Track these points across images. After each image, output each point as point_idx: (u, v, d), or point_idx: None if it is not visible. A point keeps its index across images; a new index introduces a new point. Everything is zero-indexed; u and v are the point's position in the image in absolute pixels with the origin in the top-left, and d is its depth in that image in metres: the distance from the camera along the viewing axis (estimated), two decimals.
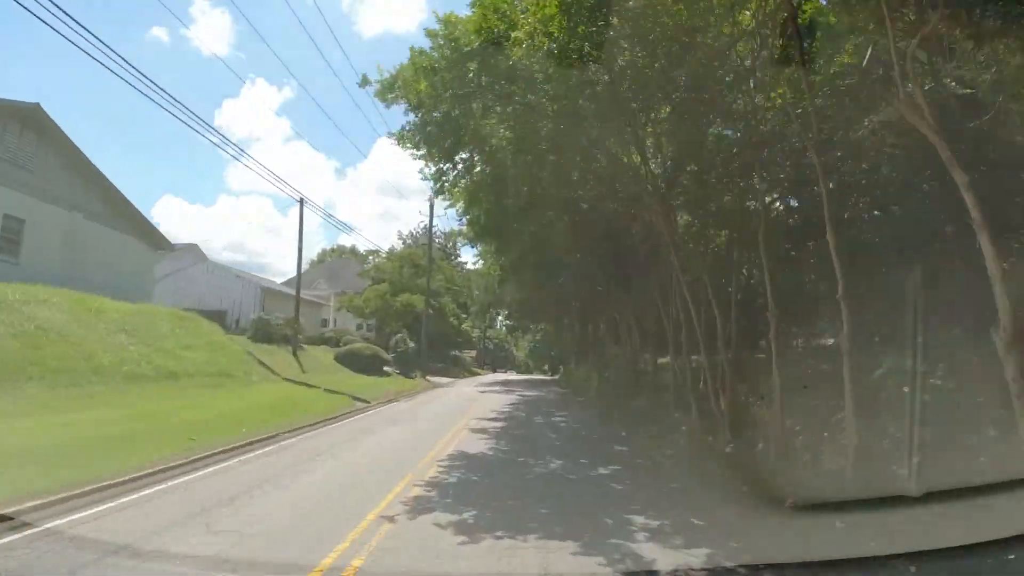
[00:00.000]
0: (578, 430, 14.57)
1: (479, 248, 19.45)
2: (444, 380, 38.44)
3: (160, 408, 14.73)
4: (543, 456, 10.53)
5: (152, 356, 19.56)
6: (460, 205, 15.74)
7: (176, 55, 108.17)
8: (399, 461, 9.88)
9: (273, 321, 29.10)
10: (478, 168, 12.90)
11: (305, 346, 31.00)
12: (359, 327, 51.25)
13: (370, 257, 49.54)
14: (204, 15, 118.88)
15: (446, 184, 12.79)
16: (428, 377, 35.42)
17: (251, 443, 11.92)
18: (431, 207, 37.60)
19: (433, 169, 12.36)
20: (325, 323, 50.18)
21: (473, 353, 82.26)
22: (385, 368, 34.28)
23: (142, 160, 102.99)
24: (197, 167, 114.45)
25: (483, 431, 13.76)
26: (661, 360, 17.33)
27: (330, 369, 29.95)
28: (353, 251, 67.36)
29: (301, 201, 29.54)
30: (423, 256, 48.08)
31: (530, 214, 15.44)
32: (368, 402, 21.68)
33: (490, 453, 10.80)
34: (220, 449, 11.06)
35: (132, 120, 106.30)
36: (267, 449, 11.39)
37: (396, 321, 47.01)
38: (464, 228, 20.38)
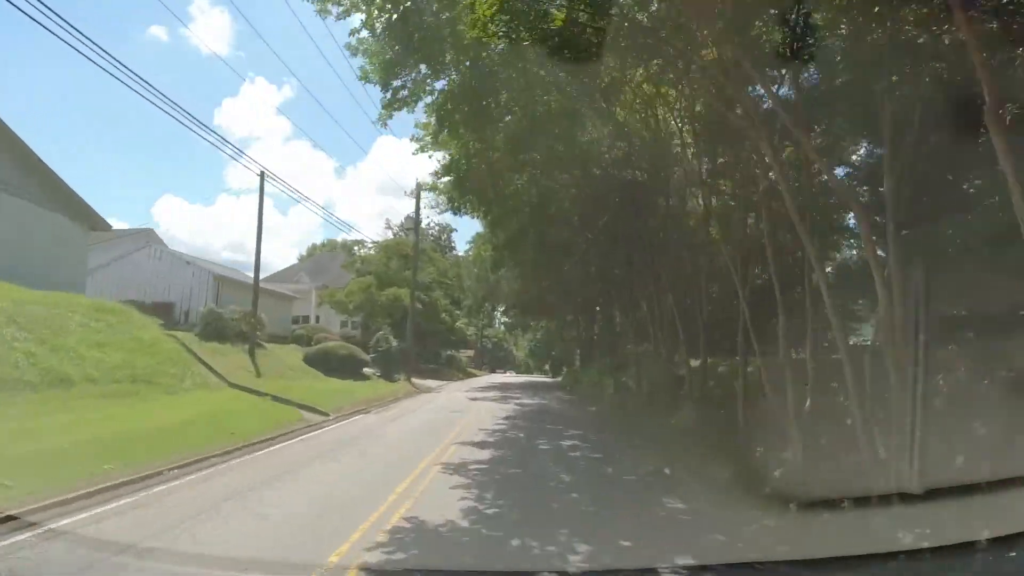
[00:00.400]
0: (601, 466, 10.12)
1: (463, 209, 14.67)
2: (433, 384, 33.99)
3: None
4: (554, 531, 6.10)
5: (43, 356, 15.15)
6: (428, 138, 11.15)
7: (175, 54, 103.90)
8: (297, 547, 5.47)
9: (227, 315, 24.64)
10: (454, 75, 8.30)
11: (267, 344, 26.56)
12: (344, 324, 47.06)
13: (355, 248, 44.96)
14: (203, 13, 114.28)
15: (403, 92, 8.23)
16: (414, 380, 30.97)
17: (101, 491, 7.66)
18: (417, 188, 33.13)
19: (382, 59, 7.65)
20: (306, 319, 46.12)
21: (470, 353, 77.74)
22: (365, 370, 29.86)
23: (143, 162, 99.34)
24: (196, 167, 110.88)
25: (462, 469, 9.33)
26: (702, 360, 12.88)
27: (296, 372, 25.50)
28: (344, 245, 62.62)
29: (262, 175, 25.17)
30: (410, 245, 43.63)
31: (528, 152, 10.96)
32: (326, 415, 17.26)
33: (465, 525, 6.35)
34: (30, 507, 6.81)
35: (132, 122, 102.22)
36: (111, 508, 7.07)
37: (383, 317, 42.61)
38: (439, 183, 15.70)
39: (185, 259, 27.82)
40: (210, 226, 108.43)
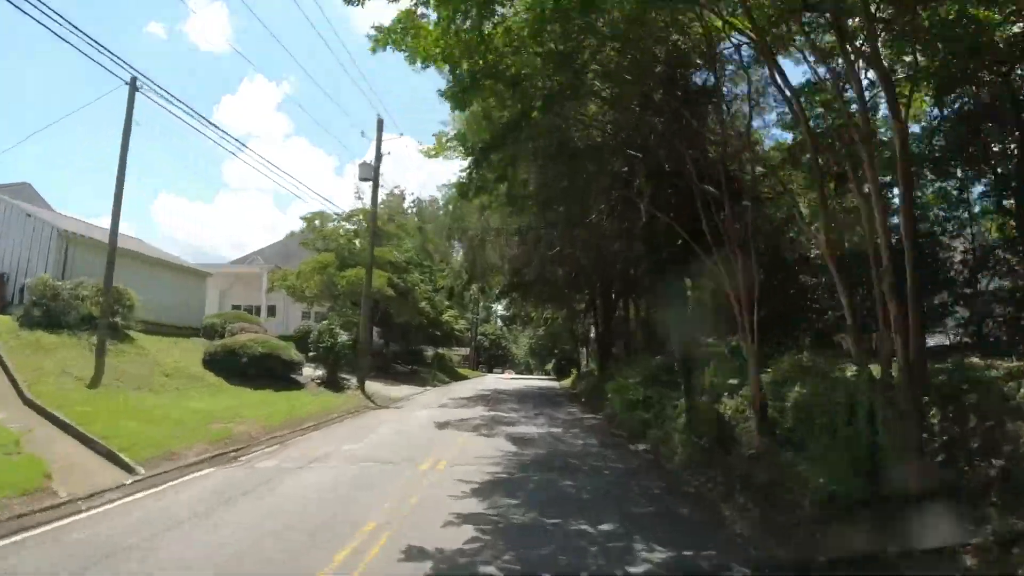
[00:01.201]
0: None
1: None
2: (401, 392, 25.22)
3: None
4: None
5: None
6: None
7: (176, 54, 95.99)
8: None
9: (68, 291, 15.99)
10: None
11: (142, 337, 17.87)
12: (306, 315, 38.66)
13: (317, 222, 36.09)
14: (202, 7, 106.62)
15: None
16: (370, 389, 22.14)
17: None
18: (379, 124, 24.32)
19: None
20: (257, 310, 37.78)
21: (464, 351, 68.84)
22: (304, 372, 21.25)
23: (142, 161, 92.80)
24: (197, 165, 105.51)
25: None
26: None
27: (178, 379, 16.78)
28: (305, 219, 53.45)
29: (132, 80, 16.50)
30: (386, 219, 34.95)
31: None
32: (129, 472, 8.55)
33: None
34: None
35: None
36: None
37: (349, 307, 34.00)
38: None
39: (26, 211, 19.02)
40: (208, 224, 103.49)
